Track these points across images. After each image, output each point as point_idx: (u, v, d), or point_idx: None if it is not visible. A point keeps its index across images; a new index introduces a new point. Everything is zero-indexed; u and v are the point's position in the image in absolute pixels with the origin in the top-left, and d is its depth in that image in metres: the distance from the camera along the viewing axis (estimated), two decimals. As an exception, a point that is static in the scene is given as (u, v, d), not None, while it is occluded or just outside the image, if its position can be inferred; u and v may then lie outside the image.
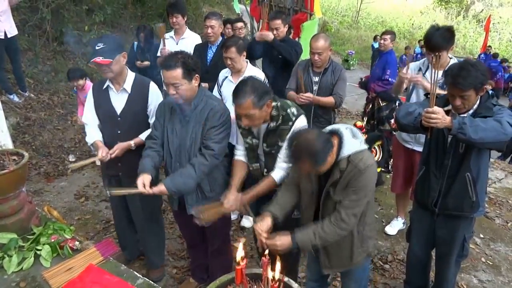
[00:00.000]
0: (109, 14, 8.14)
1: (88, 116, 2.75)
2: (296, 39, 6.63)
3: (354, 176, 1.89)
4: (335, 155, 1.90)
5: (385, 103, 4.95)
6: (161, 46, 4.38)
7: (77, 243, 2.12)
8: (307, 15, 7.03)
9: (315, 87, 3.59)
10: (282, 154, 2.31)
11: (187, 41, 4.51)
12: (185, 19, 4.51)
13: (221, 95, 3.45)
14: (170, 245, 3.52)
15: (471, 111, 2.27)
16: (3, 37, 5.32)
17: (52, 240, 2.11)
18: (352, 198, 1.92)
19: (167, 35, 4.65)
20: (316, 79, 3.59)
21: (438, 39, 2.85)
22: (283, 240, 1.96)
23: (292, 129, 2.28)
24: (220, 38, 4.07)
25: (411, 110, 2.32)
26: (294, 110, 2.32)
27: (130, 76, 2.67)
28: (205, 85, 3.85)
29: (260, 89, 2.19)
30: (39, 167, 4.88)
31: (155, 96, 2.71)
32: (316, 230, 1.96)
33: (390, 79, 4.72)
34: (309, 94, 3.47)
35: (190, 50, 4.39)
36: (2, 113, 3.01)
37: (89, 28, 7.54)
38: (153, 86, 2.72)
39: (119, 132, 2.67)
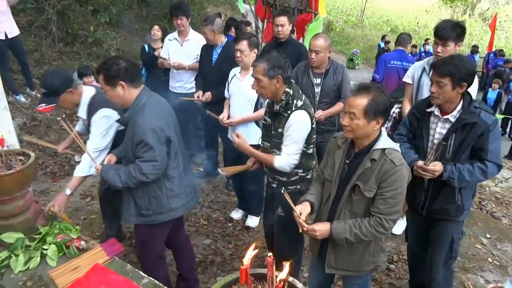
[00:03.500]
0: (114, 14, 8.17)
1: None
2: (300, 40, 6.62)
3: (388, 171, 1.90)
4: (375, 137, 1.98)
5: None
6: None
7: (83, 242, 2.14)
8: (311, 15, 7.00)
9: (317, 89, 3.55)
10: (287, 143, 2.45)
11: (192, 42, 4.53)
12: (189, 20, 4.52)
13: (228, 93, 3.47)
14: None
15: (455, 114, 2.33)
16: (4, 38, 5.33)
17: (58, 240, 2.12)
18: (389, 202, 1.92)
19: (170, 37, 4.66)
20: (318, 81, 3.55)
21: (448, 29, 2.83)
22: (321, 227, 2.03)
23: (288, 119, 2.41)
24: (225, 39, 4.07)
25: (406, 159, 2.24)
26: (299, 103, 2.44)
27: (84, 102, 2.63)
28: (207, 94, 3.88)
29: (276, 62, 2.38)
30: (46, 167, 4.91)
31: (96, 122, 2.59)
32: (354, 227, 1.98)
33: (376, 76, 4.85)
34: (320, 114, 3.47)
35: (194, 51, 4.42)
36: (8, 114, 3.03)
37: (94, 29, 7.58)
38: (99, 113, 2.59)
39: None
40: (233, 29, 5.50)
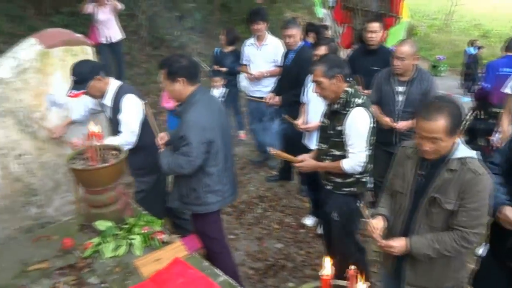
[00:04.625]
0: (197, 20, 8.57)
1: None
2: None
3: (470, 181, 1.77)
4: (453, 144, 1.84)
5: (483, 115, 4.52)
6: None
7: (165, 236, 2.24)
8: (393, 19, 6.74)
9: (400, 98, 3.38)
10: (351, 142, 2.43)
11: (269, 47, 4.60)
12: (267, 25, 4.60)
13: (307, 98, 3.45)
14: (247, 245, 3.58)
15: None
16: (106, 43, 5.94)
17: (144, 231, 2.24)
18: (473, 215, 1.80)
19: (248, 42, 4.79)
20: (401, 89, 3.38)
21: None
22: (398, 243, 1.93)
23: (347, 117, 2.40)
24: (300, 43, 4.07)
25: (495, 199, 1.97)
26: (359, 101, 2.44)
27: (112, 89, 2.84)
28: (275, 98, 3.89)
29: (333, 61, 2.44)
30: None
31: (126, 106, 2.80)
32: (435, 242, 1.87)
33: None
34: (402, 124, 3.32)
35: (272, 55, 4.49)
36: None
37: (179, 34, 8.01)
38: (128, 98, 2.81)
39: None
40: (311, 35, 5.46)
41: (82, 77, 2.70)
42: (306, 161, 2.71)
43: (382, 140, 3.58)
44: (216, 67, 5.26)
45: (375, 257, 3.41)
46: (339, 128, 2.48)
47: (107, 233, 2.23)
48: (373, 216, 2.07)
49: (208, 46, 9.04)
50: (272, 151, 2.86)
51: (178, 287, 1.90)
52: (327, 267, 1.28)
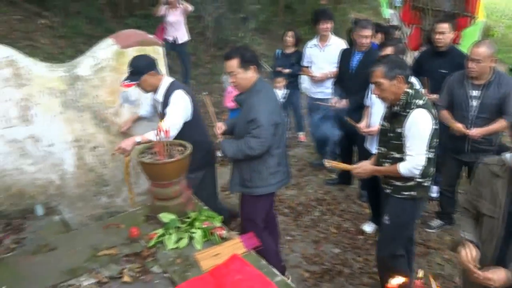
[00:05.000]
0: (261, 21, 8.67)
1: None
2: (453, 46, 6.03)
3: None
4: None
5: None
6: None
7: (224, 232, 2.29)
8: (468, 19, 6.33)
9: (474, 103, 3.18)
10: (409, 144, 2.36)
11: (332, 47, 4.53)
12: (332, 25, 4.53)
13: (370, 101, 3.37)
14: (304, 248, 3.56)
15: None
16: (172, 41, 6.32)
17: (204, 226, 2.31)
18: None
19: (310, 44, 4.74)
20: (475, 93, 3.17)
21: None
22: (498, 275, 1.73)
23: (407, 118, 2.33)
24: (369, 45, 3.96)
25: None
26: (420, 102, 2.36)
27: (164, 86, 2.95)
28: (343, 102, 3.82)
29: (394, 62, 2.38)
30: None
31: (173, 100, 2.88)
32: None
33: None
34: (476, 132, 3.13)
35: (335, 56, 4.41)
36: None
37: (243, 35, 8.16)
38: (176, 93, 2.90)
39: None
40: (379, 35, 5.29)
41: (137, 70, 2.84)
42: (362, 166, 2.67)
43: (453, 147, 3.40)
44: (280, 69, 5.27)
45: (439, 271, 3.23)
46: (399, 130, 2.41)
47: (170, 225, 2.32)
48: (461, 242, 1.87)
49: (270, 47, 9.10)
50: (327, 163, 2.87)
51: (235, 283, 1.93)
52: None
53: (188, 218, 2.40)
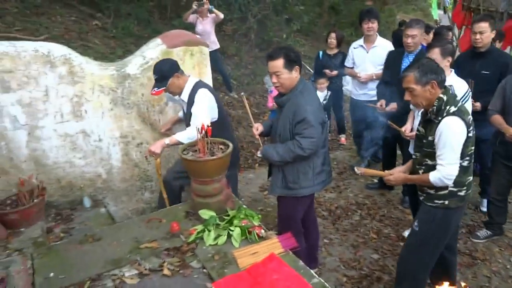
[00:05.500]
0: (305, 22, 8.62)
1: None
2: (508, 49, 5.72)
3: None
4: None
5: None
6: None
7: (263, 231, 2.30)
8: (527, 21, 5.98)
9: None
10: (440, 153, 2.28)
11: (379, 49, 4.42)
12: (378, 26, 4.43)
13: None
14: (342, 252, 3.50)
15: None
16: None
17: (243, 224, 2.33)
18: None
19: (355, 44, 4.65)
20: None
21: None
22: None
23: (438, 126, 2.26)
24: (420, 47, 3.82)
25: None
26: (452, 108, 2.26)
27: (189, 86, 2.98)
28: (392, 105, 3.71)
29: (427, 67, 2.27)
30: (232, 158, 5.52)
31: (198, 100, 2.91)
32: None
33: None
34: None
35: (381, 58, 4.29)
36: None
37: (286, 36, 8.15)
38: (201, 91, 2.93)
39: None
40: (431, 36, 5.09)
41: (162, 75, 2.87)
42: (394, 174, 2.59)
43: (505, 154, 3.23)
44: (327, 71, 5.23)
45: (486, 283, 3.07)
46: (430, 138, 2.33)
47: (210, 222, 2.36)
48: None
49: (313, 49, 9.05)
50: (358, 170, 2.81)
51: (272, 282, 1.93)
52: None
53: (227, 215, 2.43)
